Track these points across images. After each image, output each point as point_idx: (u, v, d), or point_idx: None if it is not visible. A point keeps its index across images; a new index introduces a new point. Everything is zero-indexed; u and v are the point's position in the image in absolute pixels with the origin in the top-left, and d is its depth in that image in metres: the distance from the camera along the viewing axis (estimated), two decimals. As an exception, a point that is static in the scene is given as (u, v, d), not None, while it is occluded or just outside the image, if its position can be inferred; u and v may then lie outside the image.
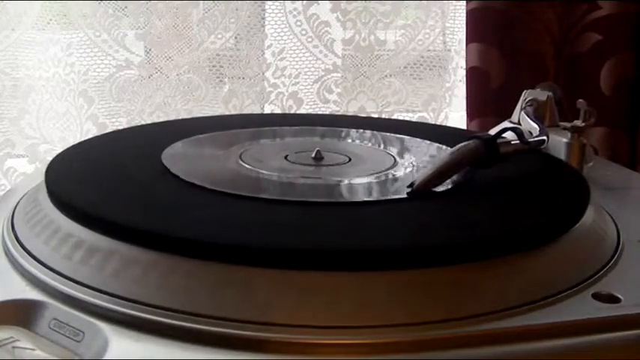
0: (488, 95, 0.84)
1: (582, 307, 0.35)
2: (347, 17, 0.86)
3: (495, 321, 0.33)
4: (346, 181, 0.46)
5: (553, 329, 0.33)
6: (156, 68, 0.81)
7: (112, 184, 0.44)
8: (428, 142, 0.56)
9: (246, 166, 0.48)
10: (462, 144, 0.45)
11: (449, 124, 0.89)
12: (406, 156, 0.53)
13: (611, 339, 0.34)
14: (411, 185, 0.44)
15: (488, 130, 0.61)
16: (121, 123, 0.80)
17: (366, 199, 0.44)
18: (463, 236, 0.37)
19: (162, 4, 0.79)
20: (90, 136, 0.76)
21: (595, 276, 0.38)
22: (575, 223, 0.41)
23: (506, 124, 0.61)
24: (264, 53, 0.85)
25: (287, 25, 0.85)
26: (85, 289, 0.35)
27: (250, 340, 0.32)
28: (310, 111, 0.87)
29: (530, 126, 0.55)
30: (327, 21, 0.85)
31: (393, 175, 0.48)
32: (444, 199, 0.43)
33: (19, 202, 0.46)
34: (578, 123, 0.55)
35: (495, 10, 0.82)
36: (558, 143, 0.55)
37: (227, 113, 0.83)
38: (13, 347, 0.33)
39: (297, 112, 0.86)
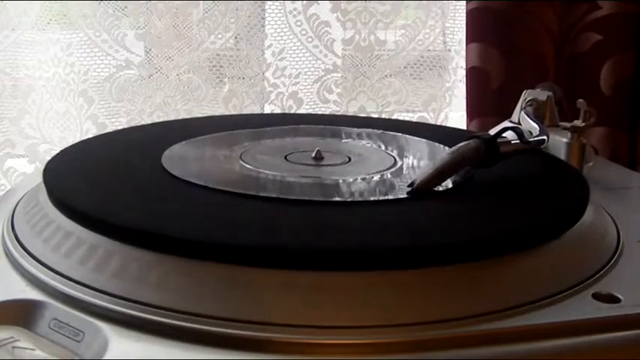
0: (488, 95, 0.84)
1: (582, 307, 0.35)
2: (347, 17, 0.86)
3: (495, 321, 0.33)
4: (346, 181, 0.46)
5: (553, 329, 0.33)
6: (156, 68, 0.81)
7: (112, 184, 0.44)
8: (428, 142, 0.56)
9: (247, 166, 0.48)
10: (462, 143, 0.45)
11: (449, 124, 0.89)
12: (406, 156, 0.53)
13: (611, 339, 0.34)
14: (411, 185, 0.44)
15: (488, 130, 0.61)
16: (121, 123, 0.80)
17: (365, 198, 0.44)
18: (463, 236, 0.37)
19: (162, 4, 0.79)
20: (90, 136, 0.76)
21: (595, 276, 0.38)
22: (575, 223, 0.41)
23: (506, 123, 0.61)
24: (264, 53, 0.85)
25: (287, 25, 0.84)
26: (85, 289, 0.35)
27: (250, 340, 0.32)
28: (310, 111, 0.87)
29: (530, 126, 0.55)
30: (327, 21, 0.85)
31: (393, 175, 0.48)
32: (444, 198, 0.43)
33: (19, 202, 0.46)
34: (578, 123, 0.55)
35: (495, 10, 0.82)
36: (558, 143, 0.55)
37: (227, 113, 0.83)
38: (13, 347, 0.33)
39: (297, 112, 0.86)
